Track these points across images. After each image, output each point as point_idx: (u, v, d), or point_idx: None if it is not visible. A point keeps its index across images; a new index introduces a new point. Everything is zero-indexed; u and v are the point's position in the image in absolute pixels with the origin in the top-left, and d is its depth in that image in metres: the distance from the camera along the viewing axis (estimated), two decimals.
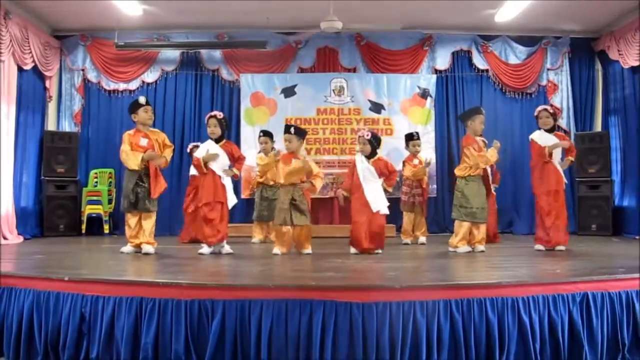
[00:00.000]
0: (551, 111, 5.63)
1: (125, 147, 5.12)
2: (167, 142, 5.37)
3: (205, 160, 5.14)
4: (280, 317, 2.93)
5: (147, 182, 5.13)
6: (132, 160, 5.08)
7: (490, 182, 5.98)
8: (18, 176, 7.50)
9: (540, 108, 5.70)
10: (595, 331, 3.13)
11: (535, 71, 8.59)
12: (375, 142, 5.38)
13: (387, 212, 5.26)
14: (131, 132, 5.26)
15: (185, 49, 8.52)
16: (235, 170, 5.24)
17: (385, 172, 5.35)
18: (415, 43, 8.65)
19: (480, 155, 5.37)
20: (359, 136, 5.46)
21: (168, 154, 5.30)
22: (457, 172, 5.52)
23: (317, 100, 8.51)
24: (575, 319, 3.10)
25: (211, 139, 5.26)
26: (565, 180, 5.53)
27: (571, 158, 5.59)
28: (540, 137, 5.53)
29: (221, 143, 5.26)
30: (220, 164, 5.17)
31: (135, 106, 5.25)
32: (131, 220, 5.18)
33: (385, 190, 5.37)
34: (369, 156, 5.36)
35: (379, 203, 5.19)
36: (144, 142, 5.16)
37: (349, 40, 8.63)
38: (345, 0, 6.98)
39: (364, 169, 5.28)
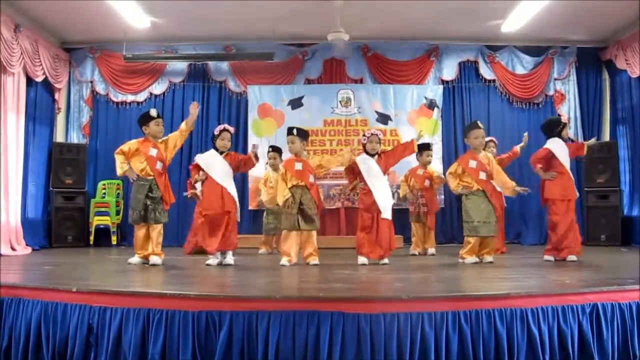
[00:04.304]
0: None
1: (124, 148, 5.17)
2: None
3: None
4: (287, 328, 2.91)
5: (158, 194, 5.14)
6: (119, 165, 5.13)
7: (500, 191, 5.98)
8: (26, 187, 7.54)
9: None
10: (606, 342, 3.09)
11: (542, 81, 8.58)
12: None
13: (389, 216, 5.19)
14: (141, 140, 5.28)
15: (192, 60, 8.57)
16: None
17: (392, 162, 5.37)
18: (422, 54, 8.68)
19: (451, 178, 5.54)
20: (372, 134, 5.31)
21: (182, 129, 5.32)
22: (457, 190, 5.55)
23: (324, 111, 8.55)
24: (585, 330, 3.07)
25: (217, 150, 5.23)
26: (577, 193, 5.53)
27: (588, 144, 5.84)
28: (556, 147, 5.52)
29: (224, 154, 5.24)
30: (222, 174, 5.16)
31: (147, 118, 5.23)
32: (140, 231, 5.20)
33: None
34: (373, 155, 5.32)
35: (387, 210, 5.14)
36: (153, 152, 5.16)
37: (356, 51, 8.65)
38: (352, 4, 7.02)
39: (369, 168, 5.23)
